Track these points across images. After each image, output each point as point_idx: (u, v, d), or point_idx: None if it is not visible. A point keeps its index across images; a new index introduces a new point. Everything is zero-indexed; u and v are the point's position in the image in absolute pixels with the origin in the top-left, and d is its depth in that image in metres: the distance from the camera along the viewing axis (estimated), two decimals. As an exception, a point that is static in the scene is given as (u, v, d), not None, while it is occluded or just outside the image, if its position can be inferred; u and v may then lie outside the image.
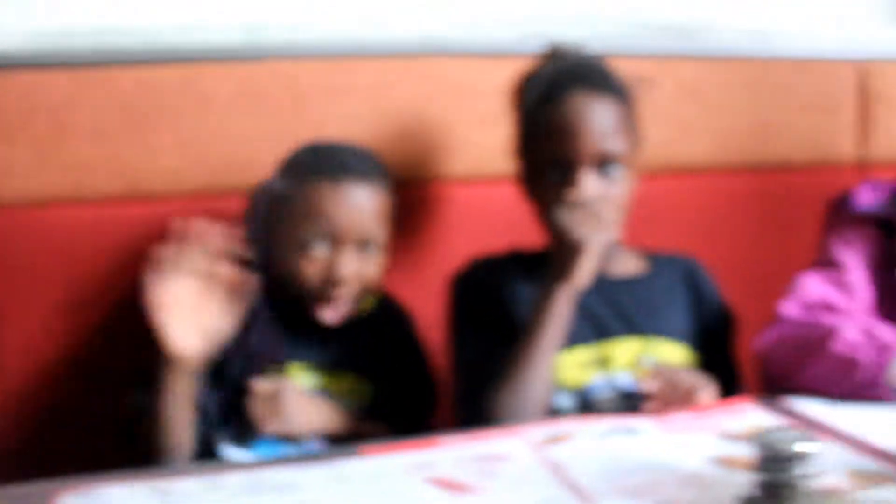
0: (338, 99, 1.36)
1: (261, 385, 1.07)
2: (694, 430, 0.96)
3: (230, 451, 1.09)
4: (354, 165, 1.13)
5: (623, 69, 1.39)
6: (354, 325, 1.16)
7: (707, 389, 1.05)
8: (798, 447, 0.58)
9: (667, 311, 1.09)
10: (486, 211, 1.43)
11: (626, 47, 1.54)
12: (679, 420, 0.99)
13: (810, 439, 0.59)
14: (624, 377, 1.14)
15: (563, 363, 1.13)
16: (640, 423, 0.98)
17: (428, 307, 1.28)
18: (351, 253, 1.10)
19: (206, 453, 1.06)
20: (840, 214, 1.25)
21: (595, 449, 0.90)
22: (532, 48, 1.42)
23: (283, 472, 0.88)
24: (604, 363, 1.16)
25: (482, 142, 1.40)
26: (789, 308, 1.16)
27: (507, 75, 1.38)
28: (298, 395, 1.09)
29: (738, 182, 1.58)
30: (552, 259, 1.10)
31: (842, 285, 1.17)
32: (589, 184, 1.11)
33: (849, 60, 1.67)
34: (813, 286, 1.17)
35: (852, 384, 1.05)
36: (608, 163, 1.13)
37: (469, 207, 1.43)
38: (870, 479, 0.81)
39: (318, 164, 1.13)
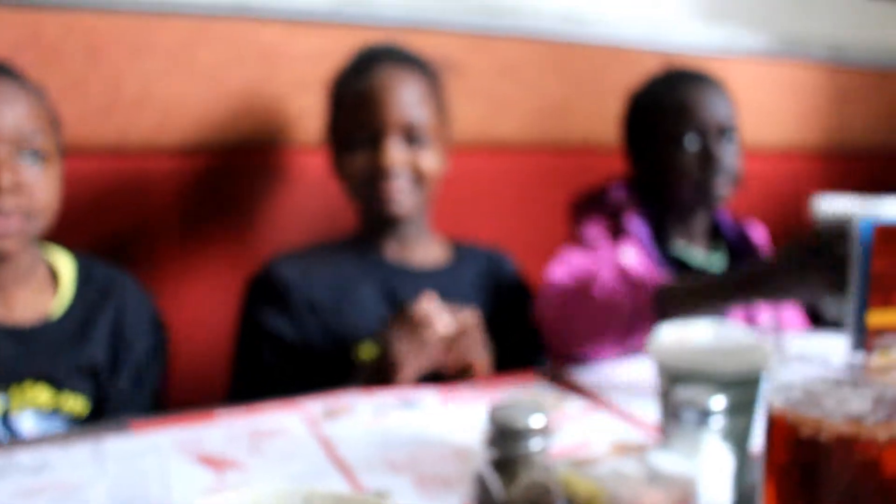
0: (137, 56, 1.29)
1: None
2: (474, 402, 0.97)
3: None
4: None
5: (440, 45, 1.40)
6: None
7: (476, 328, 1.04)
8: (526, 422, 0.59)
9: (469, 302, 1.10)
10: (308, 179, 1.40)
11: (443, 23, 1.54)
12: (461, 393, 1.00)
13: (541, 412, 0.60)
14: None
15: (369, 350, 1.14)
16: (422, 396, 0.99)
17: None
18: (9, 161, 0.95)
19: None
20: (590, 207, 1.36)
21: (371, 423, 0.90)
22: (347, 17, 1.40)
23: (40, 451, 0.83)
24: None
25: (290, 108, 1.37)
26: (556, 273, 1.22)
27: (319, 43, 1.36)
28: None
29: (547, 159, 1.63)
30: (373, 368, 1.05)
31: (597, 258, 1.25)
32: (394, 152, 1.13)
33: (655, 51, 1.75)
34: (574, 257, 1.25)
35: (618, 326, 1.11)
36: (414, 134, 1.15)
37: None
38: (630, 449, 0.85)
39: None
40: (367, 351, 1.15)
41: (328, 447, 0.83)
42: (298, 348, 1.14)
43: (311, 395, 0.98)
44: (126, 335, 1.07)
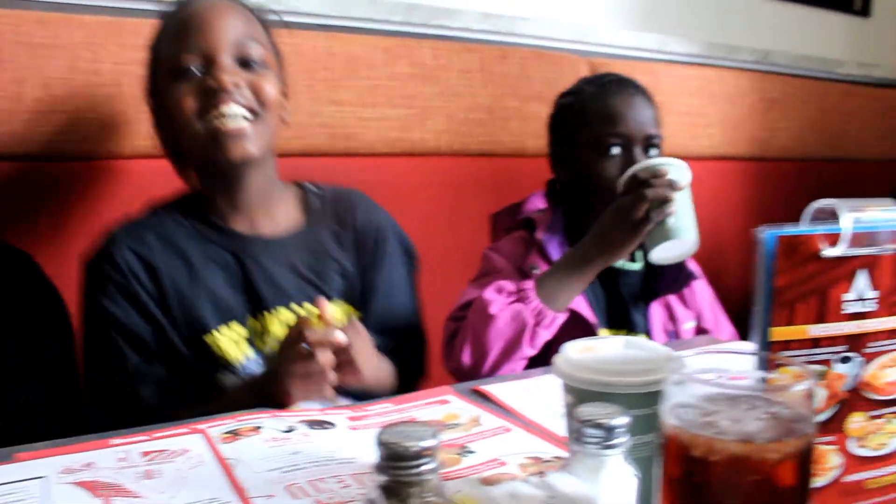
0: (38, 55, 1.23)
1: None
2: (385, 422, 0.94)
3: None
4: None
5: (360, 48, 1.37)
6: None
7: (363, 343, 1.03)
8: (416, 445, 0.57)
9: (333, 262, 1.15)
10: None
11: (364, 26, 1.52)
12: (374, 412, 0.97)
13: (432, 435, 0.58)
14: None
15: (221, 338, 1.10)
16: (334, 417, 0.95)
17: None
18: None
19: None
20: (507, 220, 1.38)
21: (277, 444, 0.86)
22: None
23: None
24: (260, 337, 1.12)
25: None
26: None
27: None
28: None
29: (470, 164, 1.60)
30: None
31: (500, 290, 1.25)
32: (228, 70, 1.05)
33: (583, 55, 1.74)
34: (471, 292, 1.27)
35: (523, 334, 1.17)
36: (250, 57, 1.08)
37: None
38: (543, 466, 0.83)
39: None
40: (218, 341, 1.09)
41: (228, 470, 0.80)
42: (149, 341, 1.07)
43: (215, 419, 0.93)
44: None
